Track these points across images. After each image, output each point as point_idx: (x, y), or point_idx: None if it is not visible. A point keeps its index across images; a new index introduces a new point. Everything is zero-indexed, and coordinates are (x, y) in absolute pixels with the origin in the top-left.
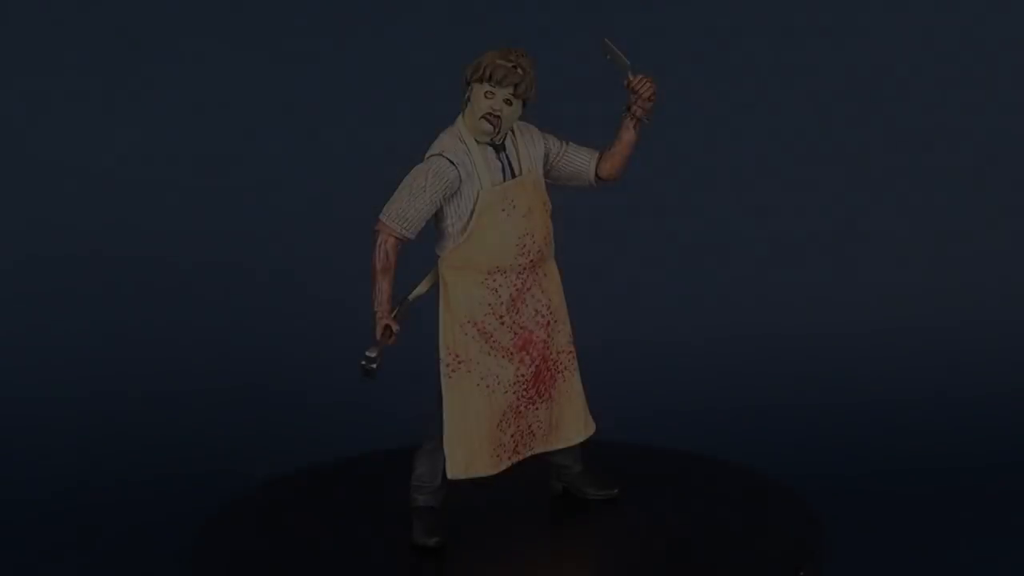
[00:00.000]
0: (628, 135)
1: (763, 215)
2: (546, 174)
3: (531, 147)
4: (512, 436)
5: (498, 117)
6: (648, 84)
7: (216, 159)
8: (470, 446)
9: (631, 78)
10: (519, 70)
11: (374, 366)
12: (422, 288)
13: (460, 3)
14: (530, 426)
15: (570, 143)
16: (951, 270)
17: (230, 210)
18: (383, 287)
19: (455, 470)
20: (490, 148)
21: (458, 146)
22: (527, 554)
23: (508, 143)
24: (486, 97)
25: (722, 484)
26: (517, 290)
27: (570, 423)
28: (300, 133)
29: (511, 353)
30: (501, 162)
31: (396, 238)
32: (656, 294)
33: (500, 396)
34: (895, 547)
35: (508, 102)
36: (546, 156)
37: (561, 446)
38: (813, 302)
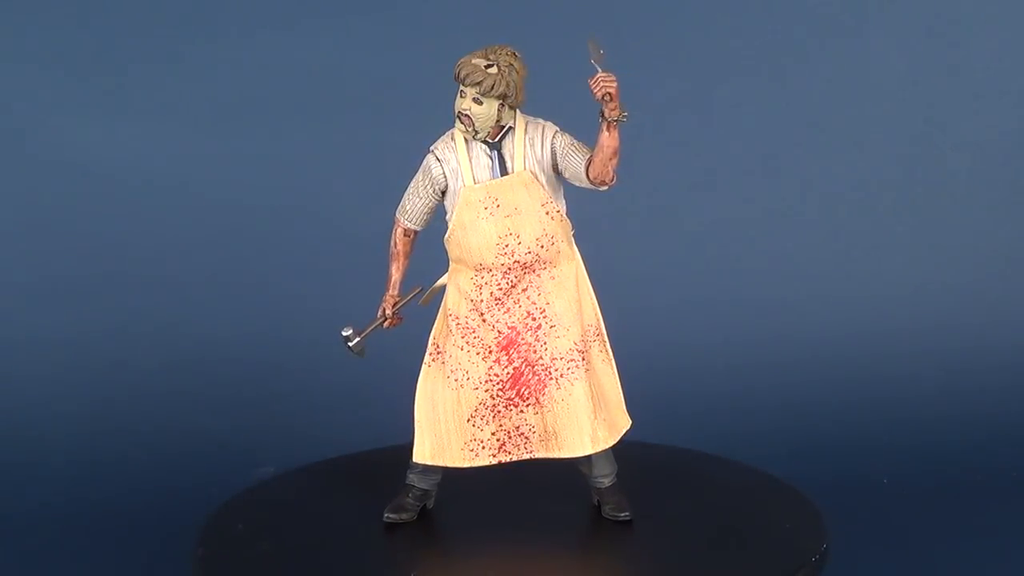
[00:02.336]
0: (602, 137)
1: (766, 217)
2: (560, 174)
3: (533, 147)
4: (494, 434)
5: (468, 116)
6: (599, 85)
7: (218, 159)
8: (439, 435)
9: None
10: (492, 69)
11: (350, 344)
12: (444, 280)
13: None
14: (518, 428)
15: (575, 143)
16: (951, 270)
17: (231, 211)
18: (390, 272)
19: (420, 455)
20: (483, 146)
21: (448, 143)
22: (531, 552)
23: (506, 141)
24: (460, 96)
25: (726, 482)
26: (502, 289)
27: (571, 433)
28: (310, 130)
29: (490, 351)
30: (492, 160)
31: (403, 228)
32: (660, 295)
33: (470, 392)
34: (897, 546)
35: (477, 101)
36: (553, 155)
37: (564, 456)
38: (815, 303)
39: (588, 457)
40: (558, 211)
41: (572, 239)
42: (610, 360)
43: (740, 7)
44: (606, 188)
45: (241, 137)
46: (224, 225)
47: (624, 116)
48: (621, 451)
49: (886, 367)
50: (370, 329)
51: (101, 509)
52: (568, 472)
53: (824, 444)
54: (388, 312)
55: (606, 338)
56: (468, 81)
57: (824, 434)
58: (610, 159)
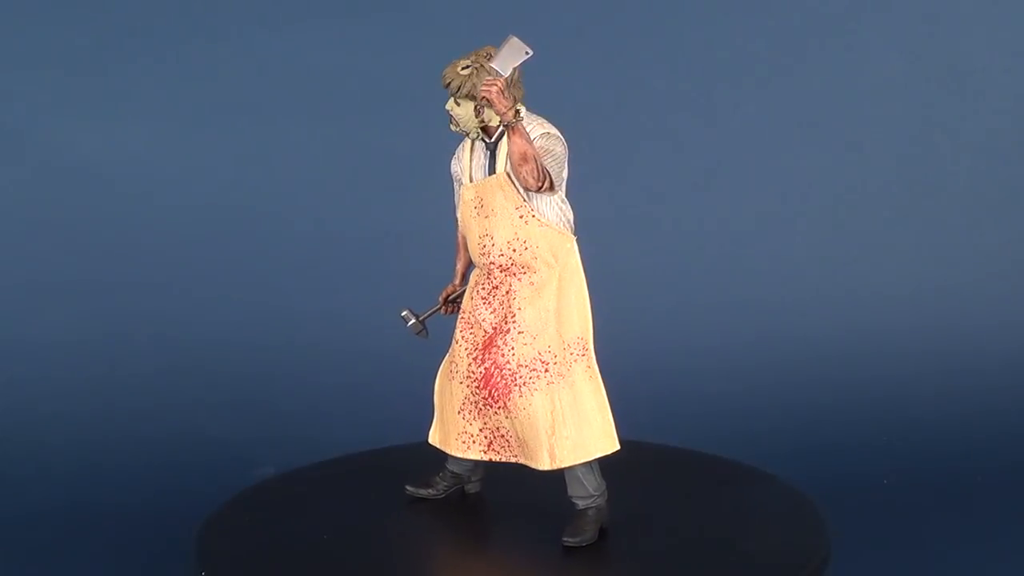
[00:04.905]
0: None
1: (765, 217)
2: None
3: None
4: (481, 431)
5: (451, 116)
6: (480, 89)
7: (217, 160)
8: (444, 422)
9: None
10: (465, 71)
11: (408, 324)
12: None
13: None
14: (498, 429)
15: (542, 148)
16: (951, 270)
17: (230, 212)
18: (454, 262)
19: (432, 438)
20: (482, 145)
21: (464, 142)
22: (530, 551)
23: (501, 142)
24: None
25: (726, 482)
26: (486, 289)
27: (534, 445)
28: (309, 131)
29: (475, 348)
30: (486, 160)
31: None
32: (659, 295)
33: (458, 385)
34: (897, 546)
35: (456, 103)
36: None
37: (532, 466)
38: (815, 303)
39: (562, 473)
40: (533, 216)
41: (568, 249)
42: (596, 379)
43: (740, 7)
44: (550, 194)
45: (240, 138)
46: (224, 226)
47: (515, 119)
48: (624, 449)
49: (886, 367)
50: (428, 314)
51: (100, 509)
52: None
53: (824, 444)
54: (439, 300)
55: (593, 357)
56: (443, 82)
57: (824, 434)
58: (519, 165)
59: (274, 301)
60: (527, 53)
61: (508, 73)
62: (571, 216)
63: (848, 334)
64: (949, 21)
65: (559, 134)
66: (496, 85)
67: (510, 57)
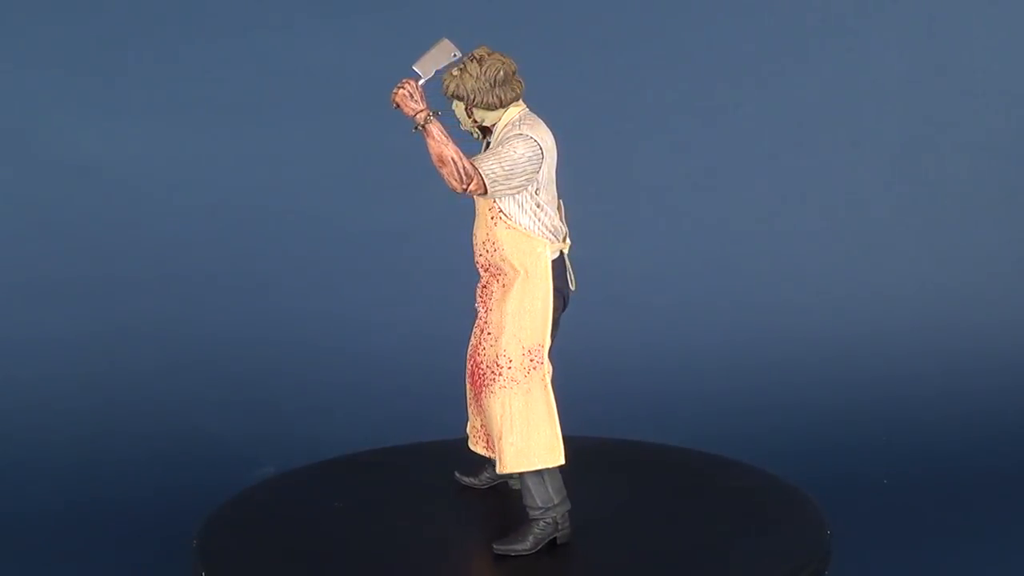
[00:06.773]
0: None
1: (765, 217)
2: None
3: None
4: (482, 427)
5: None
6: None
7: (217, 159)
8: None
9: None
10: (456, 71)
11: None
12: None
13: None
14: (487, 428)
15: (492, 151)
16: (951, 270)
17: (230, 211)
18: None
19: (468, 427)
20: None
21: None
22: (529, 555)
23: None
24: None
25: (727, 482)
26: (480, 288)
27: (495, 446)
28: (310, 130)
29: (473, 342)
30: None
31: None
32: (660, 294)
33: (466, 380)
34: (897, 546)
35: (451, 101)
36: None
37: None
38: (815, 303)
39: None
40: (502, 219)
41: (538, 254)
42: (549, 390)
43: (740, 7)
44: (483, 195)
45: (241, 137)
46: (224, 225)
47: (426, 121)
48: (620, 449)
49: (886, 367)
50: None
51: (100, 508)
52: (586, 472)
53: (824, 444)
54: None
55: (547, 370)
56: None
57: (824, 434)
58: (437, 168)
59: (274, 301)
60: (454, 55)
61: (430, 75)
62: (551, 222)
63: (848, 334)
64: (949, 21)
65: (535, 138)
66: (404, 88)
67: (435, 59)
